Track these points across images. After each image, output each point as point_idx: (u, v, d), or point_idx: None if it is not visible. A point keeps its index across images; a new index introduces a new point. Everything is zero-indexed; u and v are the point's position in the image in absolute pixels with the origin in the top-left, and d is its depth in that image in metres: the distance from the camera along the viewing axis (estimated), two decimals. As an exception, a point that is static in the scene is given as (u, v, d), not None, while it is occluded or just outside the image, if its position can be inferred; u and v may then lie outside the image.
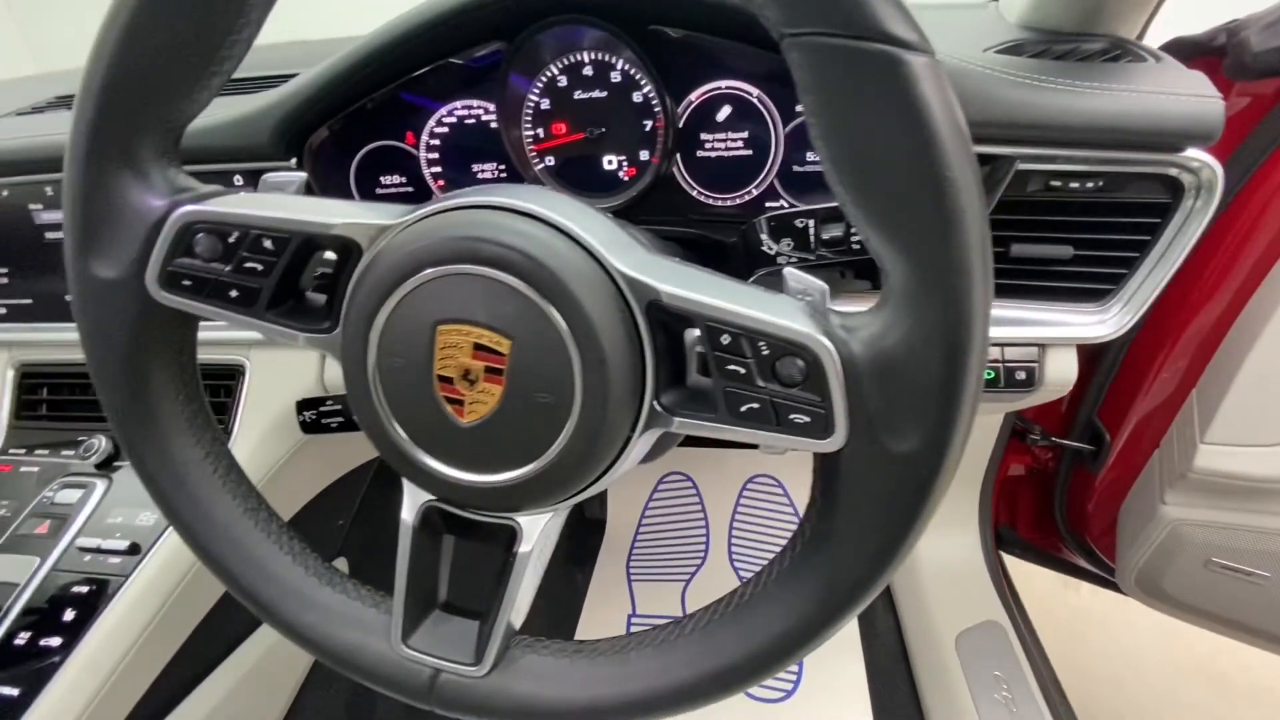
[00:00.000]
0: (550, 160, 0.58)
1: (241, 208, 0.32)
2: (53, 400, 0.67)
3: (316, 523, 0.81)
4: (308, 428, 0.44)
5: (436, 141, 0.59)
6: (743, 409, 0.28)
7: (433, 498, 0.34)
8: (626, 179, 0.58)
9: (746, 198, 0.56)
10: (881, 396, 0.26)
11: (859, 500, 0.28)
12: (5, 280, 0.66)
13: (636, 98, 0.54)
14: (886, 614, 1.04)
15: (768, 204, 0.56)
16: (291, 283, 0.34)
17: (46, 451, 0.64)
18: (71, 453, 0.63)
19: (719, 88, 0.53)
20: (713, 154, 0.56)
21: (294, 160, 0.54)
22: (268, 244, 0.32)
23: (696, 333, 0.29)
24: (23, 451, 0.65)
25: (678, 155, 0.56)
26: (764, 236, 0.41)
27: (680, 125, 0.55)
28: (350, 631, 0.35)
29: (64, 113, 0.67)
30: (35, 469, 0.63)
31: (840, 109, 0.24)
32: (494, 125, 0.58)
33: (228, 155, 0.55)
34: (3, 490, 0.62)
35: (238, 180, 0.56)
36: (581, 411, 0.29)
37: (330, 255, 0.35)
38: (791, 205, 0.56)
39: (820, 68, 0.24)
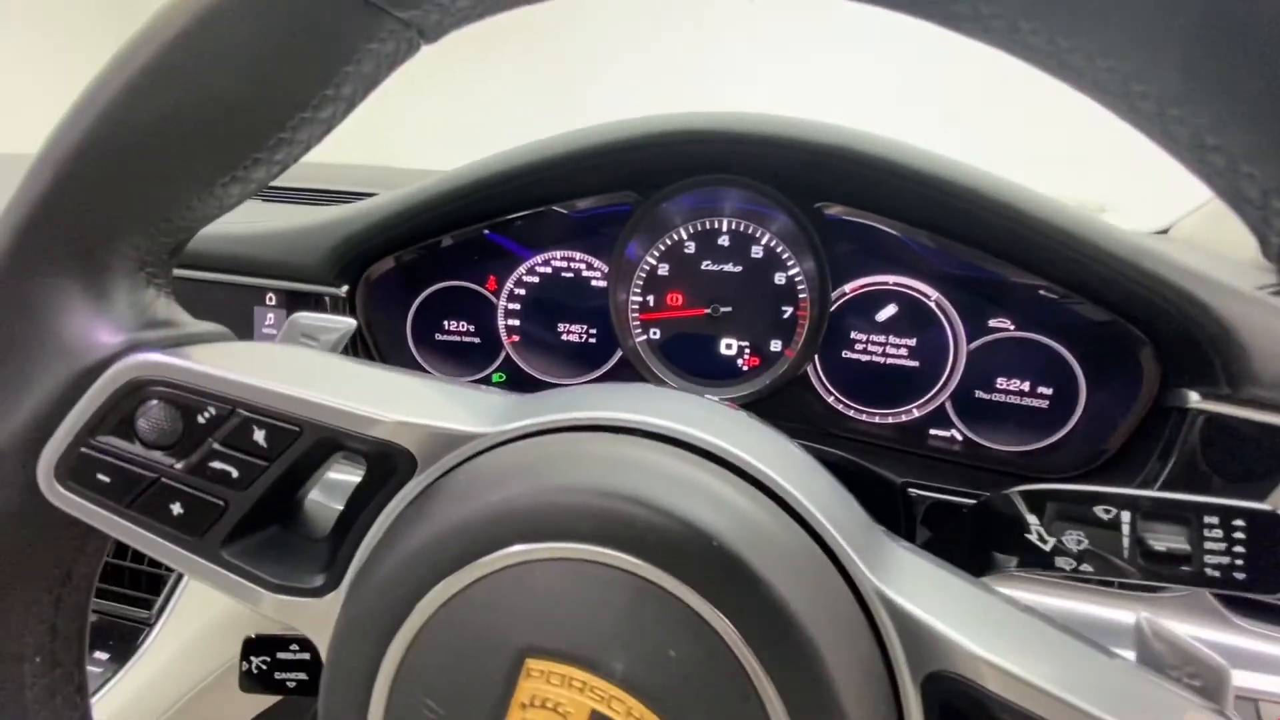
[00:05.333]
0: (655, 333, 0.47)
1: (233, 370, 0.19)
2: None
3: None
4: (254, 681, 0.28)
5: (522, 291, 0.48)
6: None
7: None
8: (745, 369, 0.46)
9: (904, 418, 0.43)
10: None
11: None
12: None
13: (778, 279, 0.44)
14: None
15: (932, 430, 0.43)
16: (271, 503, 0.20)
17: None
18: None
19: (884, 283, 0.43)
20: (863, 357, 0.44)
21: (345, 288, 0.43)
22: (258, 436, 0.19)
23: None
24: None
25: (816, 353, 0.44)
26: (1029, 517, 0.25)
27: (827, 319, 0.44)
28: None
29: None
30: None
31: None
32: (595, 284, 0.47)
33: (267, 269, 0.44)
34: None
35: (270, 300, 0.45)
36: None
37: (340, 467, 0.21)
38: (966, 436, 0.42)
39: None
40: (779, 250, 0.43)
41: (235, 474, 0.19)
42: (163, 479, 0.19)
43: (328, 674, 0.19)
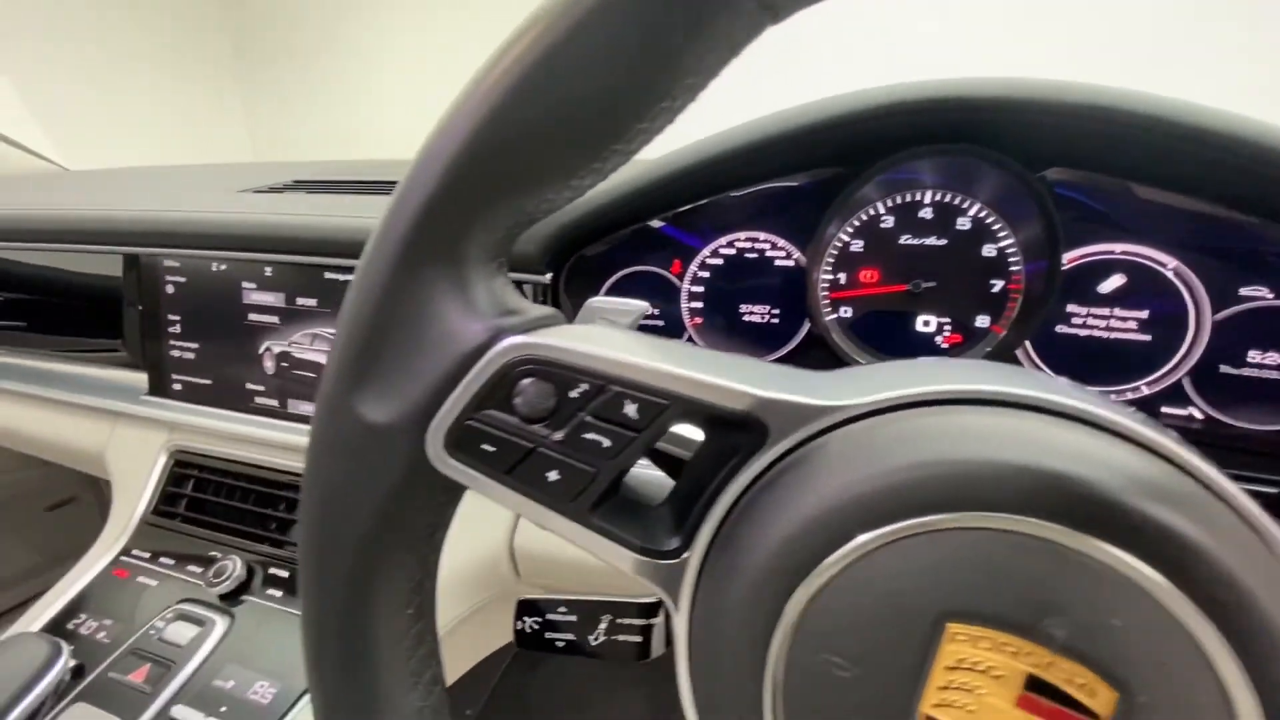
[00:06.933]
0: (846, 311, 0.46)
1: (605, 348, 0.20)
2: (194, 499, 0.58)
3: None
4: (525, 641, 0.31)
5: (706, 274, 0.48)
6: None
7: None
8: (945, 346, 0.45)
9: (1130, 395, 0.41)
10: None
11: None
12: (191, 355, 0.60)
13: (988, 251, 0.42)
14: None
15: (1165, 409, 0.40)
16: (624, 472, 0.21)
17: (172, 563, 0.54)
18: (199, 570, 0.53)
19: (1109, 252, 0.40)
20: (1081, 332, 0.42)
21: (549, 276, 0.45)
22: (630, 409, 0.20)
23: None
24: (146, 556, 0.55)
25: (1031, 329, 0.42)
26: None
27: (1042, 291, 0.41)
28: None
29: (301, 195, 0.64)
30: (154, 582, 0.53)
31: None
32: (779, 263, 0.47)
33: None
34: (112, 601, 0.52)
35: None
36: None
37: (681, 433, 0.22)
38: (1207, 414, 0.40)
39: None
40: (988, 220, 0.42)
41: (607, 444, 0.20)
42: (540, 448, 0.21)
43: (699, 630, 0.20)
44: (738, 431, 0.20)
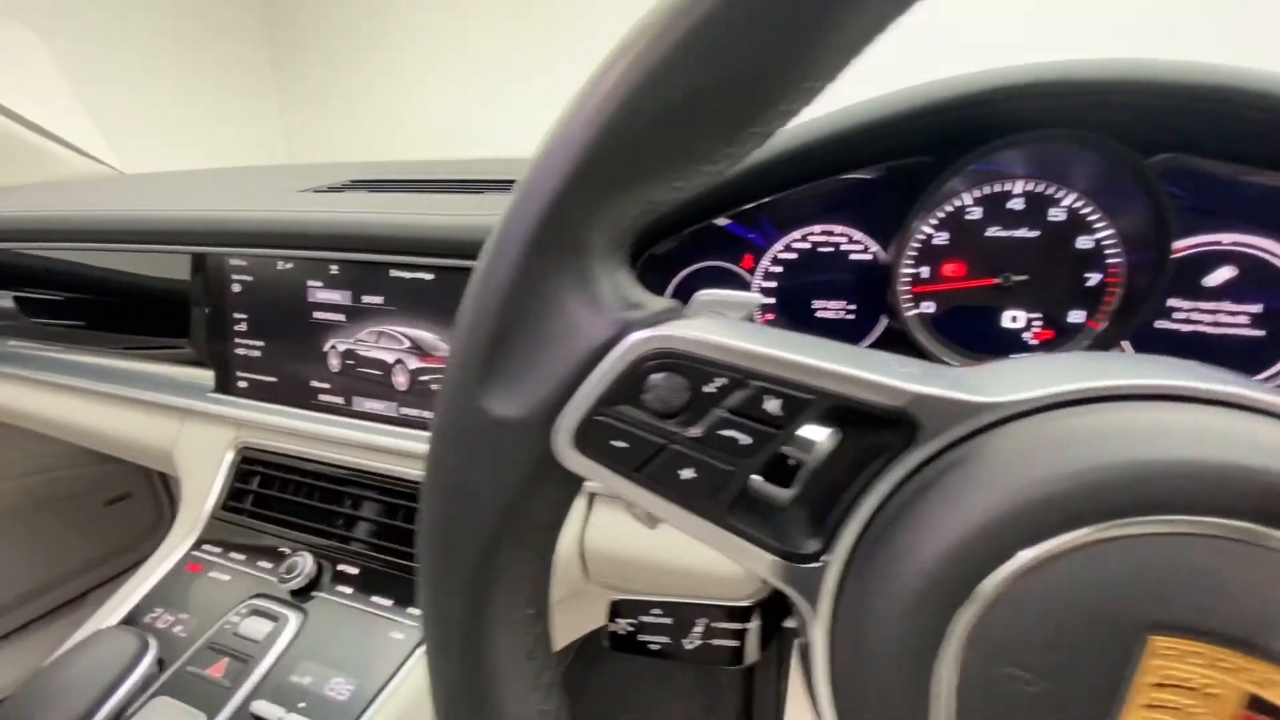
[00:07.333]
0: (929, 306, 0.44)
1: (743, 340, 0.19)
2: (260, 494, 0.59)
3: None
4: (619, 643, 0.30)
5: (778, 269, 0.47)
6: None
7: None
8: (1034, 342, 0.43)
9: (1240, 395, 0.39)
10: None
11: None
12: (257, 353, 0.60)
13: (1084, 242, 0.40)
14: None
15: (1279, 409, 0.38)
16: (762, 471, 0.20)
17: (242, 559, 0.55)
18: (269, 566, 0.53)
19: (1216, 243, 0.38)
20: (1184, 328, 0.40)
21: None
22: (771, 405, 0.19)
23: None
24: (217, 552, 0.56)
25: (1131, 325, 0.40)
26: None
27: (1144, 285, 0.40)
28: None
29: (362, 194, 0.65)
30: (226, 578, 0.53)
31: None
32: (855, 257, 0.46)
33: None
34: (186, 596, 0.52)
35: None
36: None
37: (811, 434, 0.21)
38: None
39: None
40: (1084, 210, 0.40)
41: (747, 441, 0.19)
42: (673, 445, 0.20)
43: (844, 638, 0.19)
44: (883, 429, 0.19)
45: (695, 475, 0.20)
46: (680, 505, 0.20)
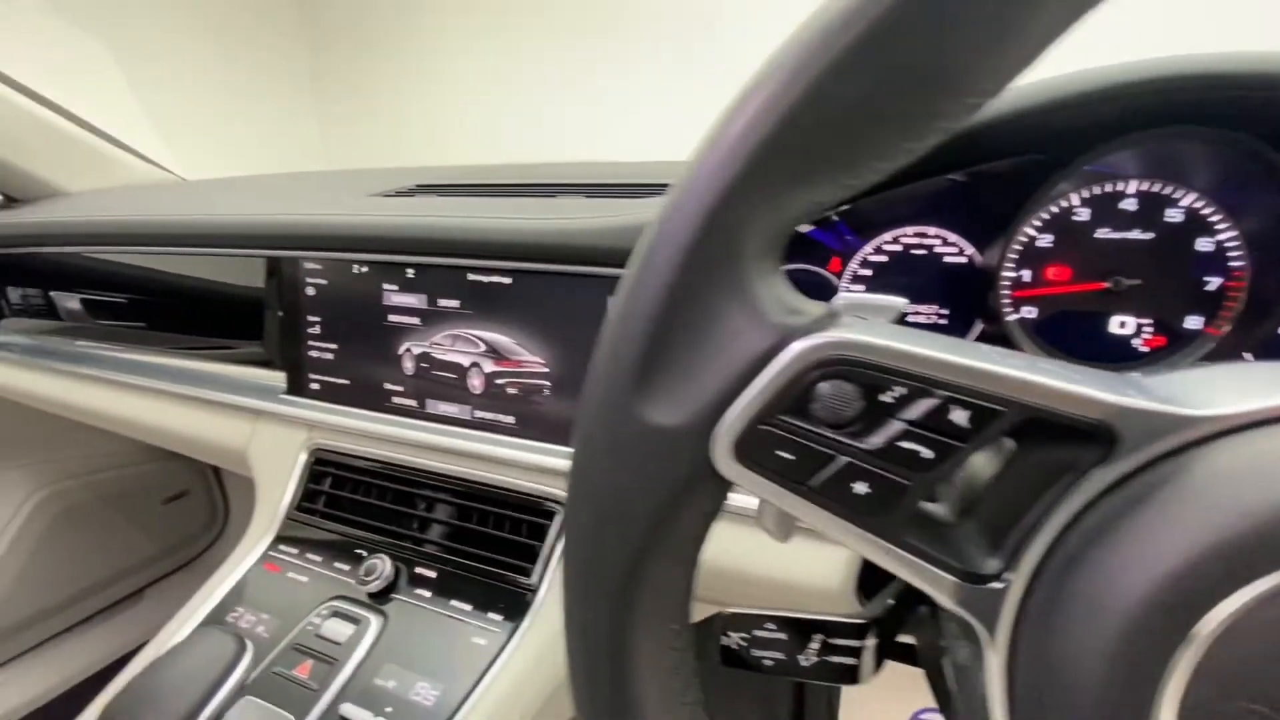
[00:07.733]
0: (1030, 311, 0.43)
1: (925, 347, 0.19)
2: (332, 495, 0.60)
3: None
4: (730, 658, 0.29)
5: (867, 272, 0.46)
6: None
7: None
8: (1144, 349, 0.41)
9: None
10: None
11: None
12: (330, 356, 0.61)
13: (1203, 245, 0.38)
14: None
15: None
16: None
17: (319, 560, 0.55)
18: (346, 568, 0.53)
19: (1354, 243, 0.36)
20: (1316, 335, 0.37)
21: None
22: (958, 416, 0.18)
23: None
24: (294, 553, 0.57)
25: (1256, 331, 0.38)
26: None
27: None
28: None
29: (431, 198, 0.65)
30: (304, 579, 0.54)
31: None
32: (949, 259, 0.44)
33: (601, 258, 0.46)
34: (266, 596, 0.53)
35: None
36: None
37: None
38: None
39: None
40: (1205, 211, 0.38)
41: (929, 454, 0.18)
42: (844, 457, 0.19)
43: (1031, 667, 0.18)
44: (1069, 442, 0.18)
45: (869, 490, 0.19)
46: (851, 521, 0.19)
